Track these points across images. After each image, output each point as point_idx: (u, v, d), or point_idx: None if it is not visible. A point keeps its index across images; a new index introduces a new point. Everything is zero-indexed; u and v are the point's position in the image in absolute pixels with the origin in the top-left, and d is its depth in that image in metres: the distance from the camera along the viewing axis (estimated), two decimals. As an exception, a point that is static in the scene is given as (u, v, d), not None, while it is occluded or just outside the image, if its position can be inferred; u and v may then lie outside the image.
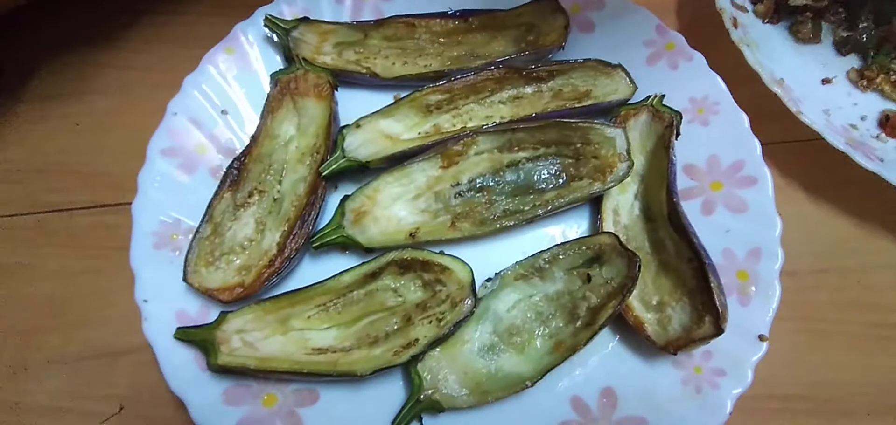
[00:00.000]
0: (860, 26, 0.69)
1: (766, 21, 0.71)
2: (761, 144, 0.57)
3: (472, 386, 0.49)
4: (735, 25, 0.64)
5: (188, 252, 0.52)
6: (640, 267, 0.50)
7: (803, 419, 0.53)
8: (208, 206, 0.54)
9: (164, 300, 0.50)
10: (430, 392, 0.48)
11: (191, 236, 0.53)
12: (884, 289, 0.59)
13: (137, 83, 0.67)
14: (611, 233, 0.53)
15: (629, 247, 0.51)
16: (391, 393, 0.50)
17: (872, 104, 0.66)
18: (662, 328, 0.51)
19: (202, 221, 0.53)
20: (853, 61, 0.69)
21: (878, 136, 0.64)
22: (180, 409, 0.47)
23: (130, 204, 0.53)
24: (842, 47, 0.70)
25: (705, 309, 0.48)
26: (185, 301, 0.51)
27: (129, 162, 0.56)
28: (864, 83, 0.67)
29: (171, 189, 0.55)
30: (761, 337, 0.49)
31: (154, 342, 0.48)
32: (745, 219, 0.55)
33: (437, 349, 0.50)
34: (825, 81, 0.68)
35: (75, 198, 0.61)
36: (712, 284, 0.48)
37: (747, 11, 0.70)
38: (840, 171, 0.58)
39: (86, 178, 0.62)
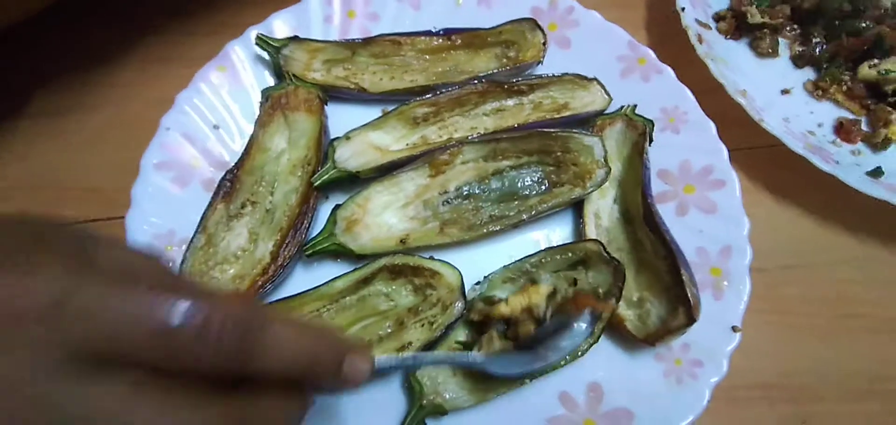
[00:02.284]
0: (813, 41, 0.75)
1: (728, 37, 0.76)
2: (728, 150, 0.60)
3: (471, 387, 0.50)
4: (700, 41, 0.69)
5: (182, 262, 0.52)
6: (624, 278, 0.52)
7: (781, 406, 0.56)
8: (202, 218, 0.55)
9: (157, 310, 0.51)
10: (432, 397, 0.49)
11: (184, 247, 0.54)
12: (848, 283, 0.62)
13: (130, 100, 0.68)
14: (596, 240, 0.55)
15: (612, 251, 0.54)
16: (388, 398, 0.51)
17: (827, 112, 0.71)
18: (642, 322, 0.53)
19: (196, 232, 0.54)
20: (809, 73, 0.74)
21: (833, 142, 0.69)
22: (174, 418, 0.47)
23: (121, 218, 0.54)
24: (798, 61, 0.75)
25: (678, 301, 0.51)
26: (179, 311, 0.52)
27: (120, 177, 0.57)
28: (819, 93, 0.72)
29: (164, 201, 0.56)
30: (734, 328, 0.52)
31: (148, 351, 0.48)
32: (715, 219, 0.58)
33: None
34: (784, 92, 0.73)
35: (66, 213, 0.61)
36: (683, 277, 0.51)
37: (711, 28, 0.75)
38: (801, 175, 0.62)
39: (77, 193, 0.62)
